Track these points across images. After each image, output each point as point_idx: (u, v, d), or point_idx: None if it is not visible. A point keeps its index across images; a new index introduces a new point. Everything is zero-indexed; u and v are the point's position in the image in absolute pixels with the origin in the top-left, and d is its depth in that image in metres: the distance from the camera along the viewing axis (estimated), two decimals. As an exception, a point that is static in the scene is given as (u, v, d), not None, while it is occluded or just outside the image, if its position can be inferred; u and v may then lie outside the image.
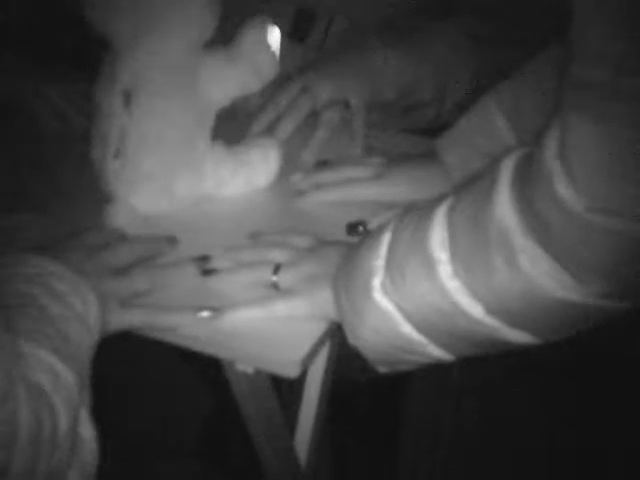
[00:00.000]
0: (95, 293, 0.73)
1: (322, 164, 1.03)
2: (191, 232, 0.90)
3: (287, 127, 1.06)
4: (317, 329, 0.79)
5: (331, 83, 1.08)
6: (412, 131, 1.12)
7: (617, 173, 0.54)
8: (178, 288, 0.82)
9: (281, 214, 0.96)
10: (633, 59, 0.50)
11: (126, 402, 1.18)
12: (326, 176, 1.00)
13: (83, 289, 0.72)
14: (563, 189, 0.56)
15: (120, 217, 0.92)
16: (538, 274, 0.61)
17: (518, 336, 0.67)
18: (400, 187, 0.96)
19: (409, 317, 0.70)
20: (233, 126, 1.03)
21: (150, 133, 0.90)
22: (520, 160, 0.63)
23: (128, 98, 0.89)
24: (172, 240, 0.88)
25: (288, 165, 1.02)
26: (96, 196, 0.93)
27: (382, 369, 0.77)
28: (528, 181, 0.60)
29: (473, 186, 0.67)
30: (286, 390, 1.00)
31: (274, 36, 0.94)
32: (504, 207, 0.62)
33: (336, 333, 0.82)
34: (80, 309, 0.71)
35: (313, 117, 1.10)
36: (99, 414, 0.65)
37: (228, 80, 0.92)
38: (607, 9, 0.50)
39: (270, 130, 1.07)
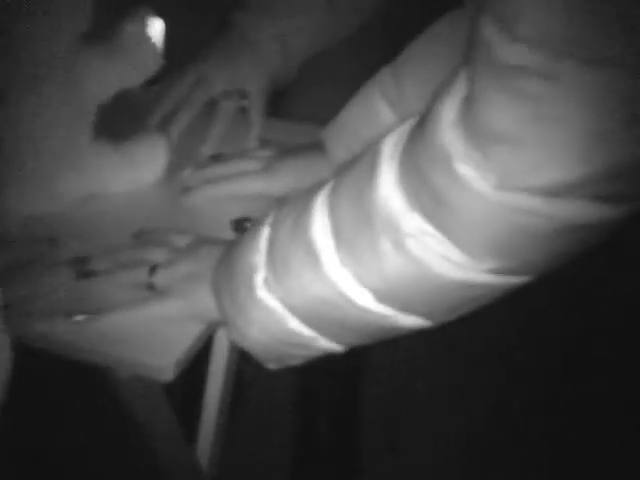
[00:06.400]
0: None
1: (215, 158, 1.00)
2: (74, 232, 0.87)
3: (182, 121, 1.03)
4: (193, 331, 0.76)
5: (225, 73, 1.04)
6: (307, 119, 1.09)
7: (539, 153, 0.52)
8: (54, 292, 0.79)
9: (169, 211, 0.93)
10: (572, 43, 0.49)
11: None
12: (215, 171, 0.98)
13: None
14: (466, 166, 0.54)
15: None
16: (428, 256, 0.59)
17: (410, 321, 0.65)
18: (288, 179, 0.93)
19: (296, 312, 0.67)
20: (131, 119, 1.00)
21: (26, 132, 0.86)
22: (404, 136, 0.61)
23: (0, 96, 0.86)
24: (52, 242, 0.85)
25: (184, 159, 0.99)
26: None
27: (272, 366, 0.74)
28: (417, 157, 0.58)
29: (353, 168, 0.64)
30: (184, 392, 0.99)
31: (156, 29, 0.91)
32: (388, 187, 0.60)
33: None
34: None
35: (210, 107, 1.07)
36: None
37: (107, 74, 0.89)
38: None
39: (163, 124, 1.03)
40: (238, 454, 1.36)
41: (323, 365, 0.78)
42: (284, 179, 0.94)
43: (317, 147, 0.95)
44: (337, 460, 1.57)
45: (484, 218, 0.56)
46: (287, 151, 0.97)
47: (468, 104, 0.54)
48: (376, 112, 0.89)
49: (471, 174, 0.54)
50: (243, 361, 1.02)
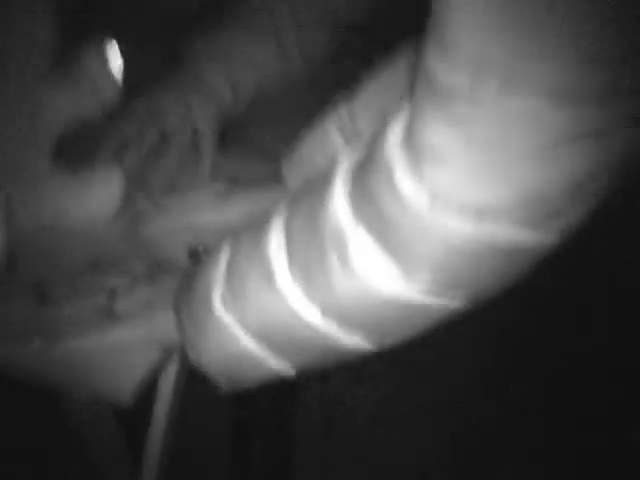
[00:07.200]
0: None
1: (169, 190, 1.02)
2: (30, 259, 0.88)
3: (136, 153, 1.04)
4: (151, 356, 0.78)
5: (178, 108, 1.06)
6: (259, 156, 1.12)
7: (465, 174, 0.54)
8: (12, 318, 0.80)
9: (124, 241, 0.95)
10: (492, 69, 0.51)
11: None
12: (170, 202, 1.00)
13: None
14: (405, 183, 0.56)
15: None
16: (370, 271, 0.61)
17: (353, 341, 0.67)
18: (241, 210, 0.96)
19: (249, 330, 0.69)
20: (88, 148, 1.01)
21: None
22: (357, 156, 0.63)
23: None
24: (9, 268, 0.86)
25: (135, 191, 1.01)
26: None
27: (225, 387, 0.76)
28: (365, 174, 0.60)
29: (309, 188, 0.67)
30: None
31: (115, 59, 0.93)
32: (338, 203, 0.62)
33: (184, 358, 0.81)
34: None
35: (163, 141, 1.08)
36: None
37: (65, 102, 0.91)
38: (480, 13, 0.50)
39: (117, 155, 1.04)
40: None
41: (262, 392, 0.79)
42: (238, 210, 0.96)
43: (271, 179, 0.98)
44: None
45: (418, 236, 0.58)
46: (241, 183, 1.00)
47: (410, 125, 0.57)
48: (333, 146, 0.92)
49: (408, 192, 0.56)
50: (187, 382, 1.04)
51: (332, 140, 0.93)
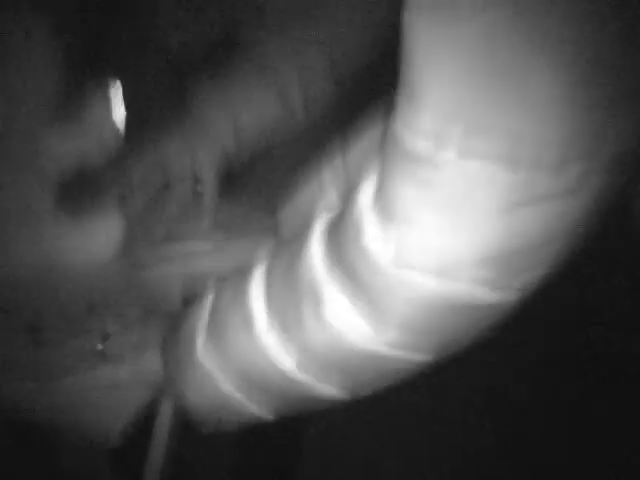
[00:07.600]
0: None
1: (169, 238, 1.04)
2: (28, 300, 0.90)
3: (138, 201, 1.06)
4: (141, 397, 0.80)
5: (181, 158, 1.07)
6: (258, 206, 1.14)
7: (427, 234, 0.56)
8: (7, 359, 0.82)
9: (123, 285, 0.97)
10: (451, 137, 0.52)
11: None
12: (168, 249, 1.02)
13: None
14: (372, 242, 0.58)
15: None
16: (341, 325, 0.62)
17: (327, 390, 0.68)
18: (238, 260, 0.97)
19: (229, 376, 0.71)
20: (91, 194, 1.03)
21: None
22: (335, 213, 0.65)
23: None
24: (6, 308, 0.88)
25: (139, 237, 1.03)
26: None
27: (206, 429, 0.77)
28: (338, 234, 0.62)
29: (291, 241, 0.69)
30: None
31: (118, 104, 0.96)
32: (314, 257, 0.64)
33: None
34: None
35: (166, 190, 1.10)
36: None
37: (68, 148, 0.93)
38: (441, 84, 0.52)
39: (121, 202, 1.07)
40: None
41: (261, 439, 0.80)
42: (234, 259, 0.98)
43: (272, 229, 1.00)
44: None
45: (385, 293, 0.59)
46: (238, 233, 1.02)
47: (378, 187, 0.59)
48: (326, 198, 0.94)
49: (376, 251, 0.58)
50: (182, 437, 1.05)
51: (326, 192, 0.94)
